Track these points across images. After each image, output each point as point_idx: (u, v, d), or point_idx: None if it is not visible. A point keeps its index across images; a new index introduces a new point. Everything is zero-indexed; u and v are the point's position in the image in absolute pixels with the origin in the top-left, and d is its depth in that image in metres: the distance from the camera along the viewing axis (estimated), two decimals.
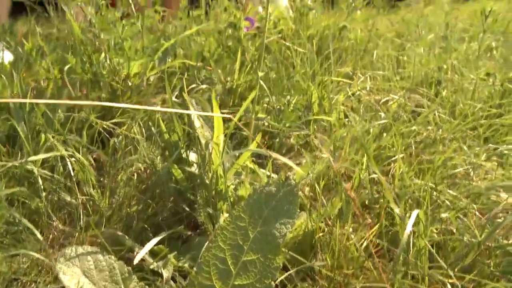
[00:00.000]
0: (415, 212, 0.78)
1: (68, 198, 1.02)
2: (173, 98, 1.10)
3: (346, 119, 1.28)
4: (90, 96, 1.25)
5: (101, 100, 1.24)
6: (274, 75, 1.18)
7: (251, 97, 0.85)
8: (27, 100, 0.92)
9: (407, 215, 0.84)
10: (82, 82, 1.27)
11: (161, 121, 0.98)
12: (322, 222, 0.89)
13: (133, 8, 1.58)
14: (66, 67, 1.19)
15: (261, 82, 1.14)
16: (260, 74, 0.92)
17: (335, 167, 0.94)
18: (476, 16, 3.22)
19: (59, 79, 1.28)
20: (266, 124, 1.16)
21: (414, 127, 1.24)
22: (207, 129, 0.98)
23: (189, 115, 1.01)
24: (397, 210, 0.84)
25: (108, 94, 1.23)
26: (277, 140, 1.18)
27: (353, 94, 1.43)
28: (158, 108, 0.96)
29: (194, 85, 1.21)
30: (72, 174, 1.03)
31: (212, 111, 0.93)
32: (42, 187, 0.98)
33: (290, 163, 0.77)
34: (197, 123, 0.97)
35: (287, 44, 1.45)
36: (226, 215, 0.93)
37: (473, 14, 3.31)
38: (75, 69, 1.30)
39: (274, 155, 0.77)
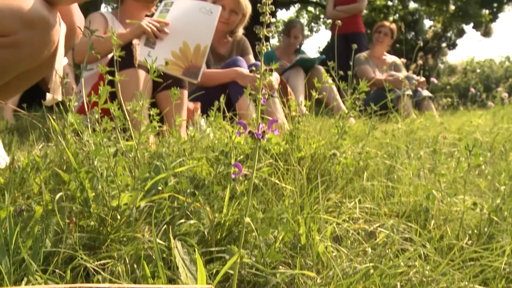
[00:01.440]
0: None
1: None
2: (159, 240, 1.11)
3: (333, 254, 1.28)
4: (79, 223, 1.26)
5: (90, 228, 1.24)
6: (262, 215, 1.20)
7: (231, 261, 0.86)
8: None
9: None
10: (72, 208, 1.29)
11: (146, 266, 0.98)
12: None
13: (130, 124, 1.63)
14: (57, 196, 1.21)
15: (248, 220, 1.15)
16: (247, 220, 0.93)
17: None
18: (464, 129, 3.35)
19: (49, 203, 1.29)
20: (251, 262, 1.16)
21: (401, 266, 1.23)
22: (191, 278, 0.98)
23: (175, 258, 1.02)
24: None
25: (97, 223, 1.24)
26: (263, 278, 1.18)
27: (341, 224, 1.44)
28: (145, 285, 0.96)
29: (182, 220, 1.23)
30: None
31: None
32: None
33: None
34: (181, 271, 0.97)
35: (276, 181, 1.48)
36: None
37: (461, 127, 3.42)
38: (66, 194, 1.32)
39: None
